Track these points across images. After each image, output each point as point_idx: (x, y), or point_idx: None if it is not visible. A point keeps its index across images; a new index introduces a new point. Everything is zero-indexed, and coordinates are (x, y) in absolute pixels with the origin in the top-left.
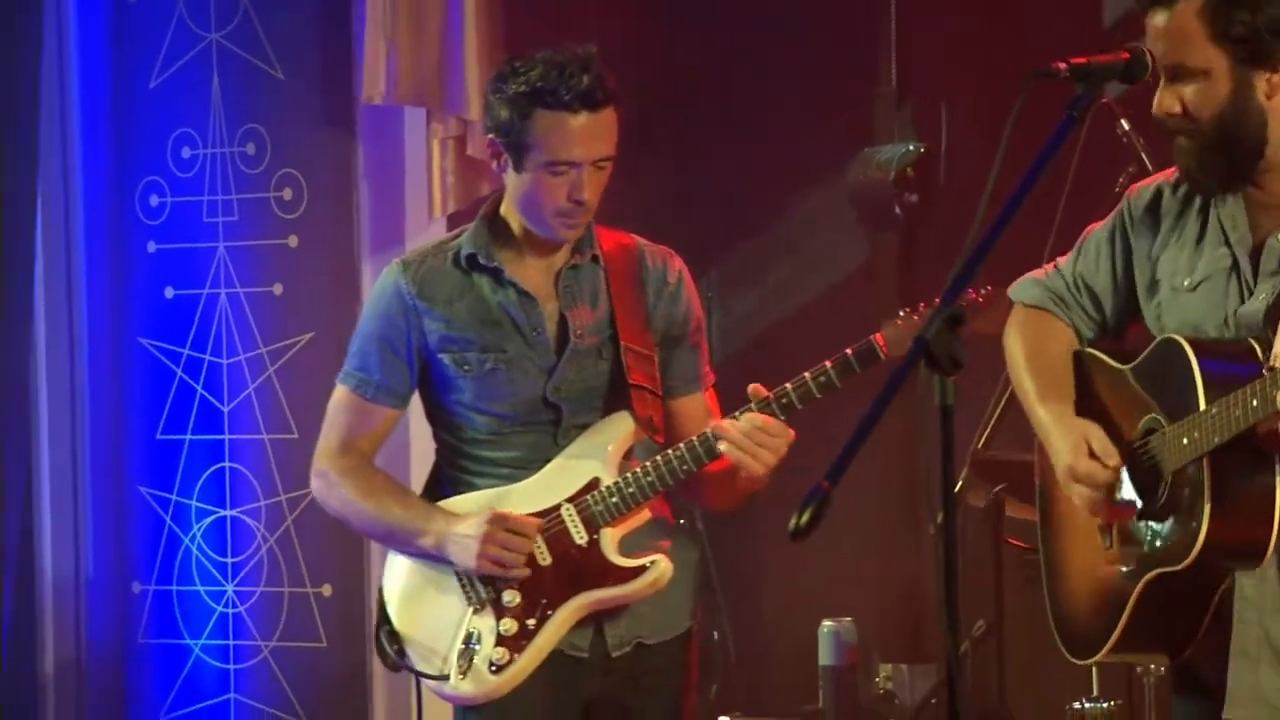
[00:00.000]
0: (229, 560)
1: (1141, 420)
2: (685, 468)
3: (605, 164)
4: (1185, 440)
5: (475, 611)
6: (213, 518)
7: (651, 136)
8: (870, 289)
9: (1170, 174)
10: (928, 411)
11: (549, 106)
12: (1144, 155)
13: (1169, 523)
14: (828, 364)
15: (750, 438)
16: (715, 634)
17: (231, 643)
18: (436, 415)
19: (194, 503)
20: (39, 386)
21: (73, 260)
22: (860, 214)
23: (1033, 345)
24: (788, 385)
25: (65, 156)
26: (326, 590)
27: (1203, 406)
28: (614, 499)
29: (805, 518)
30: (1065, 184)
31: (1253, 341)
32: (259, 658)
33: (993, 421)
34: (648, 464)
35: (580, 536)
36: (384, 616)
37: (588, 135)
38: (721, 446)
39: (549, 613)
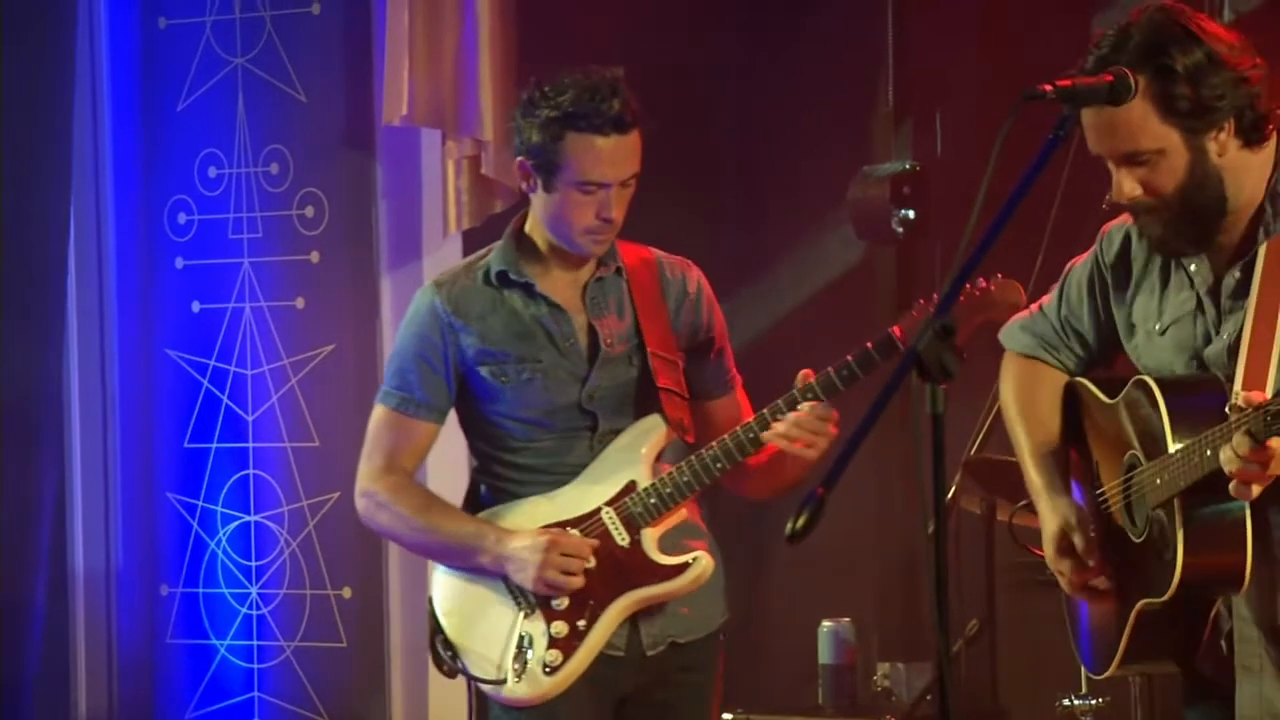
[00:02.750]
0: (253, 564)
1: (1125, 456)
2: (720, 466)
3: (631, 182)
4: (1159, 480)
5: (526, 616)
6: (237, 523)
7: (664, 154)
8: (869, 300)
9: None
10: (920, 419)
11: (580, 130)
12: None
13: (1151, 556)
14: (849, 357)
15: (800, 427)
16: (720, 633)
17: (255, 643)
18: (474, 426)
19: (219, 508)
20: (71, 397)
21: (104, 275)
22: (859, 229)
23: (1024, 395)
24: (811, 381)
25: (97, 176)
26: (347, 592)
27: (1171, 448)
28: (652, 500)
29: (801, 522)
30: (1055, 199)
31: (1220, 376)
32: (282, 658)
33: (985, 426)
34: (683, 464)
35: (622, 538)
36: (436, 625)
37: (616, 156)
38: (780, 444)
39: (598, 613)
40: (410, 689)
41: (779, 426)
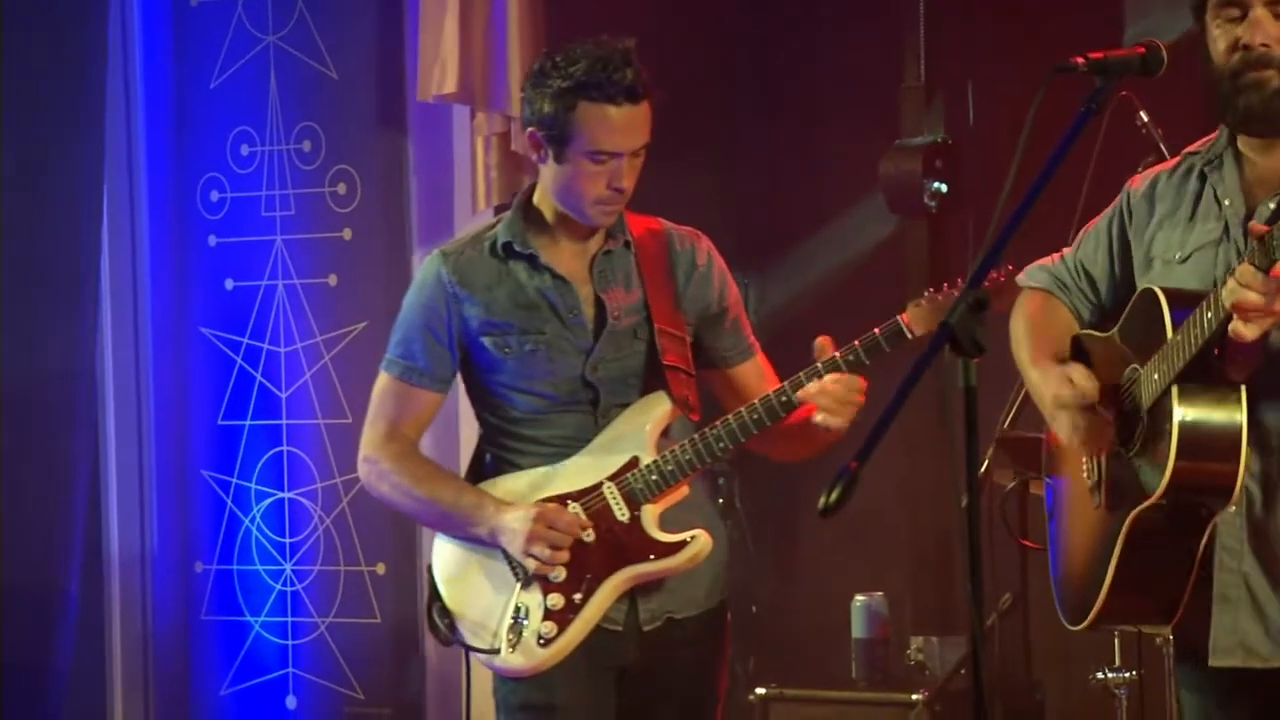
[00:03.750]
0: (287, 540)
1: (1124, 372)
2: (723, 445)
3: (642, 152)
4: (1155, 375)
5: (523, 587)
6: (271, 500)
7: (692, 131)
8: (901, 273)
9: (1169, 165)
10: (953, 393)
11: (592, 100)
12: (1161, 145)
13: (1145, 461)
14: (856, 343)
15: (830, 395)
16: (754, 608)
17: (290, 619)
18: (479, 396)
19: (253, 485)
20: (106, 375)
21: (137, 254)
22: (892, 203)
23: (1033, 319)
24: (818, 364)
25: (130, 154)
26: (380, 569)
27: (1169, 338)
28: (654, 476)
29: (834, 497)
30: (1087, 173)
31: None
32: (316, 634)
33: (1017, 402)
34: (685, 442)
35: (622, 513)
36: (435, 593)
37: (628, 126)
38: (802, 397)
39: (594, 587)
40: (444, 664)
41: (810, 387)
